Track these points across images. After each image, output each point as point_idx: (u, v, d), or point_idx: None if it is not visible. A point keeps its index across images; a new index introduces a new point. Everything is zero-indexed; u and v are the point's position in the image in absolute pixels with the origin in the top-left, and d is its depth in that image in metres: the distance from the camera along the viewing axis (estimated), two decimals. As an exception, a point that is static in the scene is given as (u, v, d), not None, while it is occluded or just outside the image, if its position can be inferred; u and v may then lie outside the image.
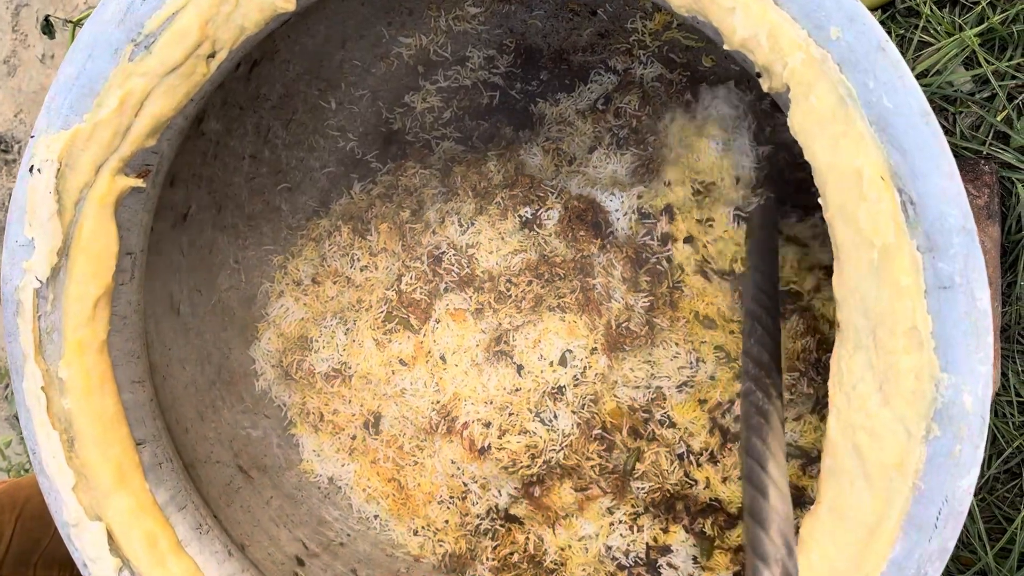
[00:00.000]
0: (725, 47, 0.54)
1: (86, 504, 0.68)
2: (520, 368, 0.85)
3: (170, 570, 0.69)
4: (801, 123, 0.53)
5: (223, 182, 0.91)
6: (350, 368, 0.90)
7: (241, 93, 0.87)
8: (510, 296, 0.84)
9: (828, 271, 0.83)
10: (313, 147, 0.96)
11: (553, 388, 0.85)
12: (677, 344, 0.84)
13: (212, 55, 0.65)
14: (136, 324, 0.73)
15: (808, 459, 0.80)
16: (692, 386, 0.84)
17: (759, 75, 0.54)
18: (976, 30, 0.81)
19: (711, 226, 0.82)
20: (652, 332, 0.83)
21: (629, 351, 0.83)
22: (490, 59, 0.93)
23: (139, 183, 0.68)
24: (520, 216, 0.87)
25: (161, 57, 0.63)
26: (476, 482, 0.90)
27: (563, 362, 0.84)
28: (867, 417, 0.54)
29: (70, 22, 1.38)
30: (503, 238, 0.86)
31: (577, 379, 0.85)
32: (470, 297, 0.86)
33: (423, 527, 0.93)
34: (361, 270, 0.92)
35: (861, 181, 0.51)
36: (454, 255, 0.87)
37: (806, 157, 0.54)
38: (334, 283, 0.93)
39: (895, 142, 0.50)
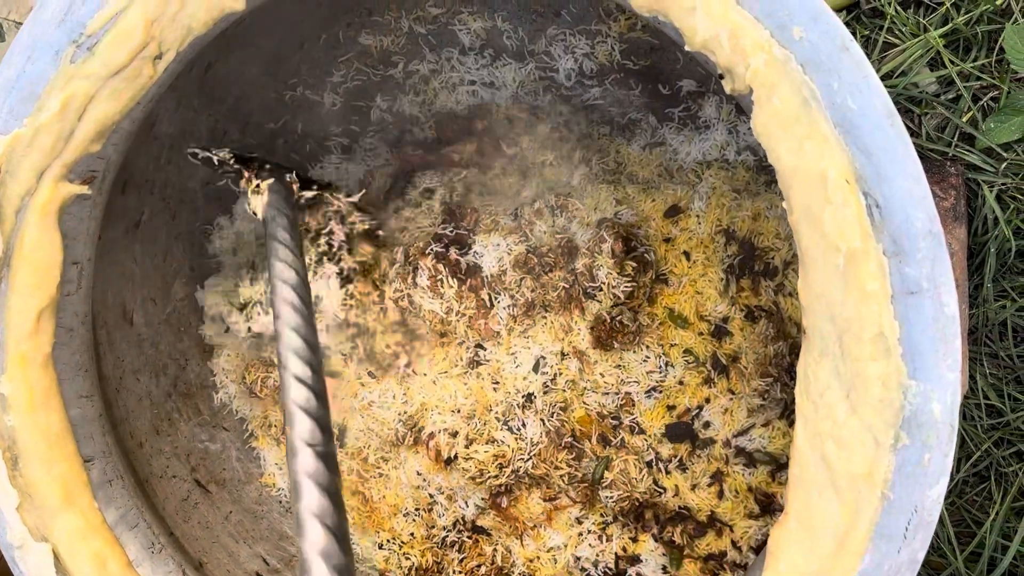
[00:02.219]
0: (687, 48, 0.53)
1: (31, 525, 0.65)
2: (496, 381, 0.83)
3: (120, 593, 0.66)
4: (765, 125, 0.51)
5: (177, 187, 0.88)
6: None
7: (195, 95, 0.84)
8: (500, 303, 0.82)
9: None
10: (272, 150, 0.94)
11: (523, 396, 0.84)
12: (648, 347, 0.82)
13: (159, 57, 0.62)
14: (84, 336, 0.71)
15: (777, 465, 0.79)
16: (661, 391, 0.83)
17: (722, 77, 0.53)
18: (940, 31, 0.80)
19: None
20: (639, 329, 0.82)
21: (614, 351, 0.82)
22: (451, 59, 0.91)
23: (84, 190, 0.65)
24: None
25: (104, 59, 0.60)
26: (442, 493, 0.88)
27: (536, 368, 0.83)
28: (835, 425, 0.53)
29: (20, 24, 1.34)
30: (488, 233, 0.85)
31: (547, 386, 0.84)
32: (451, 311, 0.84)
33: (388, 540, 0.91)
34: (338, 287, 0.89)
35: (826, 184, 0.50)
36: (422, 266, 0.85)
37: (770, 160, 0.53)
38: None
39: (860, 144, 0.49)
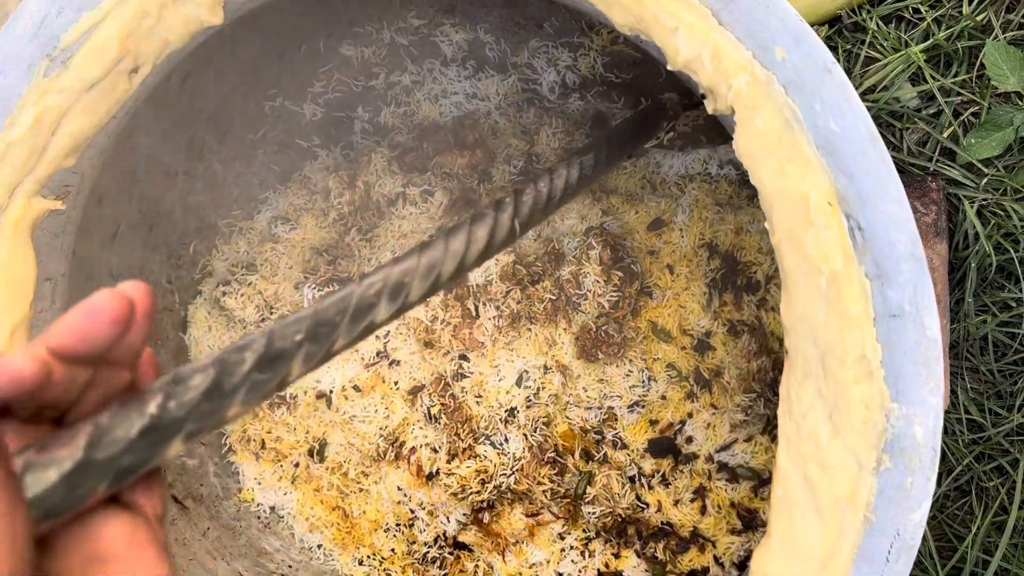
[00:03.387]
0: (669, 67, 0.53)
1: None
2: (479, 395, 0.83)
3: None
4: (747, 146, 0.51)
5: (154, 199, 0.87)
6: (296, 397, 0.86)
7: (173, 106, 0.83)
8: (486, 314, 0.81)
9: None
10: (251, 161, 0.93)
11: (506, 410, 0.83)
12: (631, 360, 0.82)
13: (135, 70, 0.61)
14: (57, 353, 0.69)
15: (759, 480, 0.79)
16: (643, 406, 0.83)
17: (703, 96, 0.53)
18: (922, 46, 0.80)
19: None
20: (624, 341, 0.81)
21: (597, 363, 0.81)
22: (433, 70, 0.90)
23: (58, 205, 0.64)
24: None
25: (79, 73, 0.59)
26: (424, 508, 0.88)
27: (519, 382, 0.82)
28: (817, 447, 0.53)
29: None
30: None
31: (530, 401, 0.83)
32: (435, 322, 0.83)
33: (368, 556, 0.90)
34: (316, 298, 0.88)
35: (808, 206, 0.50)
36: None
37: (752, 181, 0.52)
38: (275, 312, 0.89)
39: (842, 167, 0.49)
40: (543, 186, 0.51)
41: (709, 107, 0.52)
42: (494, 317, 0.81)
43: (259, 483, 0.91)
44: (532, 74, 0.89)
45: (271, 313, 0.88)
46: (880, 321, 0.49)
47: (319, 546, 0.91)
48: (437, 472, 0.85)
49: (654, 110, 0.72)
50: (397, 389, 0.85)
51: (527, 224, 0.49)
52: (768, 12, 0.48)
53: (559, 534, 0.84)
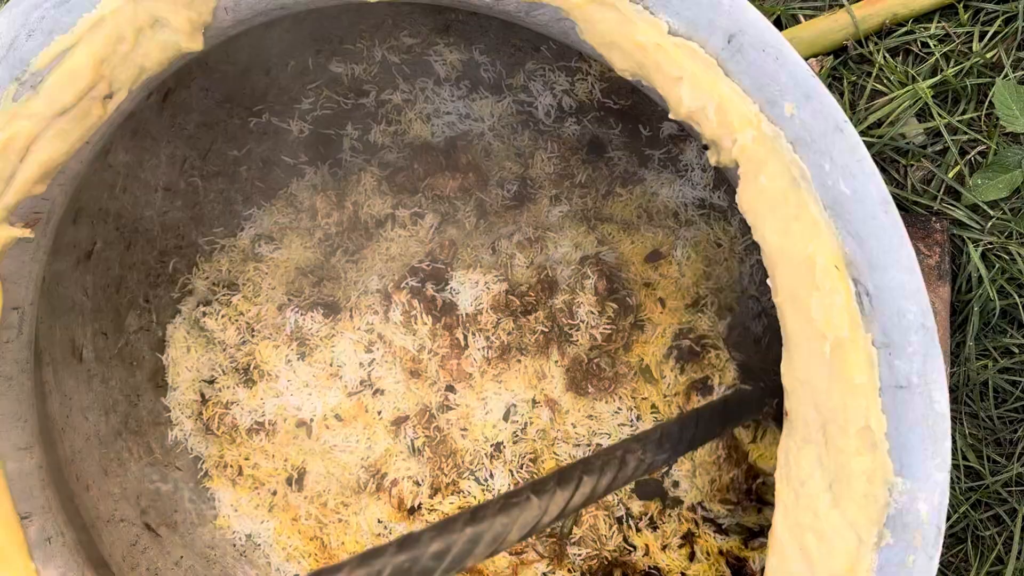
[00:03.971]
0: (671, 116, 0.50)
1: (-40, 589, 0.61)
2: (464, 428, 0.80)
3: (55, 662, 0.62)
4: (750, 203, 0.49)
5: (132, 216, 0.84)
6: (275, 423, 0.84)
7: (153, 123, 0.80)
8: (475, 345, 0.79)
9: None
10: (235, 178, 0.90)
11: (492, 445, 0.81)
12: (621, 398, 0.80)
13: (109, 96, 0.58)
14: (24, 385, 0.66)
15: (750, 533, 0.76)
16: (633, 442, 0.80)
17: (706, 147, 0.50)
18: (930, 82, 0.78)
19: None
20: (616, 377, 0.78)
21: (587, 397, 0.79)
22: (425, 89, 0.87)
23: (26, 233, 0.61)
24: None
25: (49, 98, 0.56)
26: (404, 542, 0.85)
27: (506, 416, 0.80)
28: (816, 518, 0.51)
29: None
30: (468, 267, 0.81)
31: (517, 436, 0.81)
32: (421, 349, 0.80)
33: (347, 588, 0.87)
34: (302, 326, 0.85)
35: (814, 269, 0.47)
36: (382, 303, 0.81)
37: (755, 237, 0.50)
38: (256, 335, 0.86)
39: (851, 230, 0.46)
40: (611, 472, 0.48)
41: (712, 159, 0.50)
42: (483, 348, 0.79)
43: (235, 510, 0.89)
44: (527, 97, 0.87)
45: (252, 335, 0.86)
46: (886, 391, 0.47)
47: (296, 576, 0.89)
48: (419, 506, 0.83)
49: (746, 400, 0.66)
50: (380, 419, 0.83)
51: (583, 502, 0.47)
52: (778, 65, 0.46)
53: (543, 574, 0.81)
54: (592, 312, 0.77)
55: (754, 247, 0.81)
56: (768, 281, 0.51)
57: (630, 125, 0.85)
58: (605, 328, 0.77)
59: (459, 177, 0.88)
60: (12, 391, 0.65)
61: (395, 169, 0.90)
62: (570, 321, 0.78)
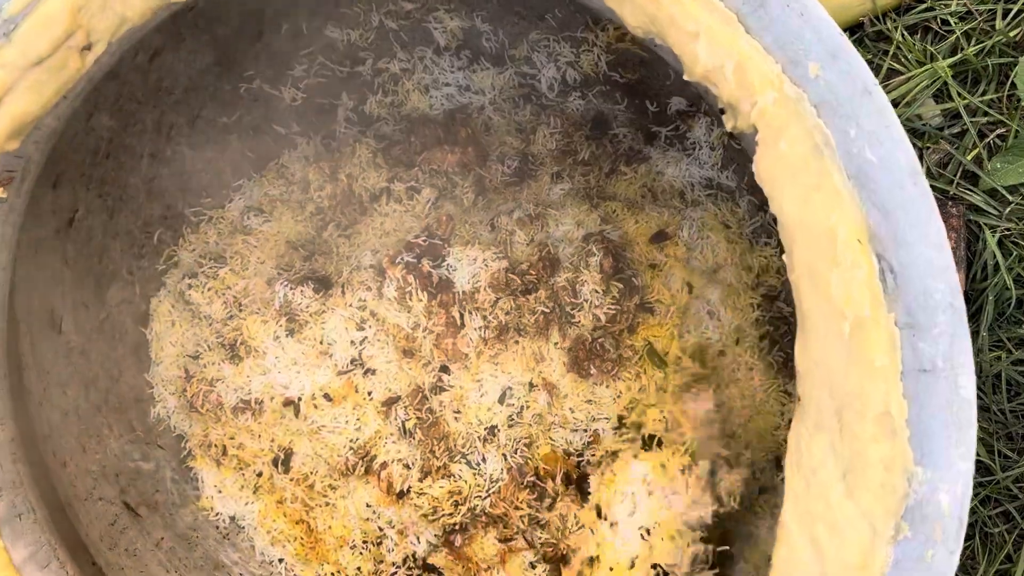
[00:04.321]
0: (686, 77, 0.47)
1: (-77, 566, 0.58)
2: (457, 411, 0.77)
3: (22, 644, 0.59)
4: (768, 170, 0.45)
5: (117, 183, 0.80)
6: (262, 402, 0.80)
7: (139, 85, 0.77)
8: (472, 324, 0.75)
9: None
10: (224, 147, 0.86)
11: (486, 428, 0.78)
12: (624, 380, 0.76)
13: (88, 47, 0.55)
14: (-4, 354, 0.63)
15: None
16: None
17: (723, 111, 0.47)
18: (949, 61, 0.75)
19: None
20: (620, 359, 0.75)
21: (588, 379, 0.75)
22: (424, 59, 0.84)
23: (-2, 192, 0.58)
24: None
25: (23, 47, 0.53)
26: (393, 527, 0.82)
27: (502, 399, 0.76)
28: (828, 508, 0.48)
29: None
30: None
31: (512, 420, 0.78)
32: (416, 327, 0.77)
33: (333, 574, 0.84)
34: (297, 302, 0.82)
35: (835, 243, 0.44)
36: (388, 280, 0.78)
37: (772, 209, 0.47)
38: (244, 309, 0.83)
39: (877, 201, 0.43)
40: None
41: (728, 124, 0.47)
42: (480, 328, 0.76)
43: (219, 491, 0.85)
44: (530, 69, 0.83)
45: (239, 310, 0.82)
46: (908, 375, 0.44)
47: (280, 560, 0.86)
48: (408, 490, 0.80)
49: None
50: (371, 399, 0.79)
51: None
52: (803, 22, 0.42)
53: (531, 563, 0.79)
54: (596, 291, 0.74)
55: (763, 230, 0.78)
56: (784, 258, 0.48)
57: (636, 100, 0.81)
58: (609, 308, 0.74)
59: (458, 152, 0.84)
60: (-18, 360, 0.62)
61: (391, 142, 0.86)
62: (573, 300, 0.74)
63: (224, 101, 0.84)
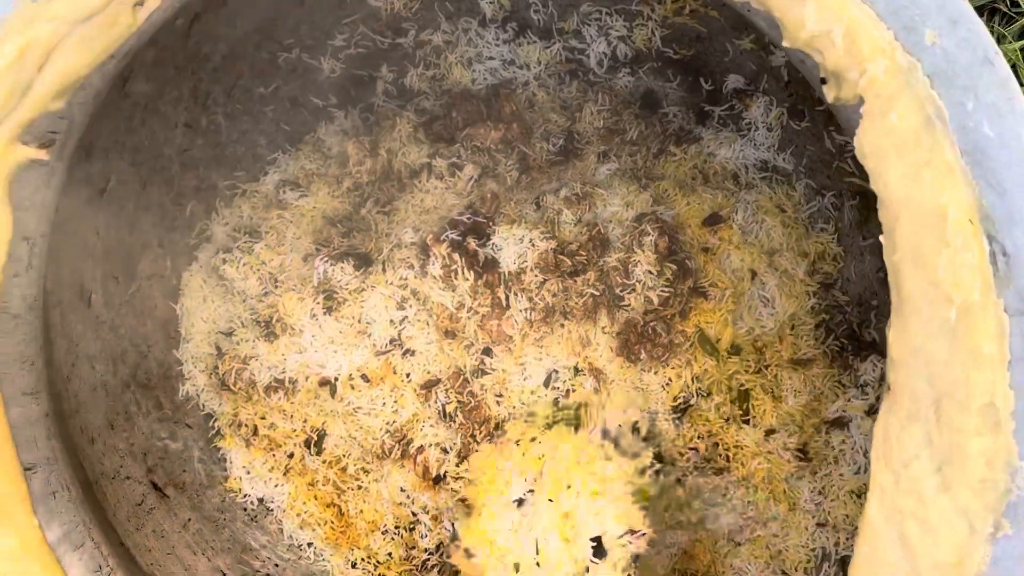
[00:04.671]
0: (785, 44, 0.44)
1: (-45, 544, 0.55)
2: (499, 394, 0.75)
3: (58, 627, 0.57)
4: (874, 145, 0.43)
5: (150, 153, 0.78)
6: (296, 381, 0.78)
7: (178, 51, 0.74)
8: (518, 306, 0.73)
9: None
10: (260, 118, 0.84)
11: (529, 413, 0.75)
12: (674, 368, 0.74)
13: (140, 2, 0.52)
14: (32, 324, 0.61)
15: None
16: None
17: (824, 81, 0.44)
18: (1021, 43, 0.72)
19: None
20: (671, 345, 0.73)
21: (637, 364, 0.73)
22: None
23: (41, 155, 0.55)
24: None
25: (74, 0, 0.50)
26: (427, 513, 0.80)
27: (546, 383, 0.74)
28: (920, 503, 0.45)
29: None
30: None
31: (557, 404, 0.75)
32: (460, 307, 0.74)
33: (363, 559, 0.82)
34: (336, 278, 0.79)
35: (944, 223, 0.42)
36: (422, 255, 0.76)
37: (873, 186, 0.44)
38: (280, 286, 0.80)
39: (992, 180, 0.41)
40: None
41: (829, 95, 0.44)
42: (526, 309, 0.73)
43: (248, 472, 0.83)
44: (579, 43, 0.80)
45: (275, 286, 0.80)
46: (1016, 364, 0.42)
47: (309, 544, 0.83)
48: (445, 476, 0.77)
49: None
50: (409, 382, 0.77)
51: None
52: (922, -15, 0.40)
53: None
54: (650, 272, 0.71)
55: (820, 215, 0.76)
56: (881, 238, 0.45)
57: (690, 78, 0.79)
58: (663, 290, 0.71)
59: (501, 128, 0.82)
60: (19, 330, 0.59)
61: (432, 117, 0.84)
62: (625, 281, 0.71)
63: (262, 71, 0.81)
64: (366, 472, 0.80)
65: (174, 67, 0.75)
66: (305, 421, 0.80)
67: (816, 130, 0.73)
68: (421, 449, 0.78)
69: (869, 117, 0.42)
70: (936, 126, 0.41)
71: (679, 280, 0.72)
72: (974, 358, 0.42)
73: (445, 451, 0.77)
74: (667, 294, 0.71)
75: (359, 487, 0.81)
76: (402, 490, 0.80)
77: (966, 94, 0.40)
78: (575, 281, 0.73)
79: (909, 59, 0.41)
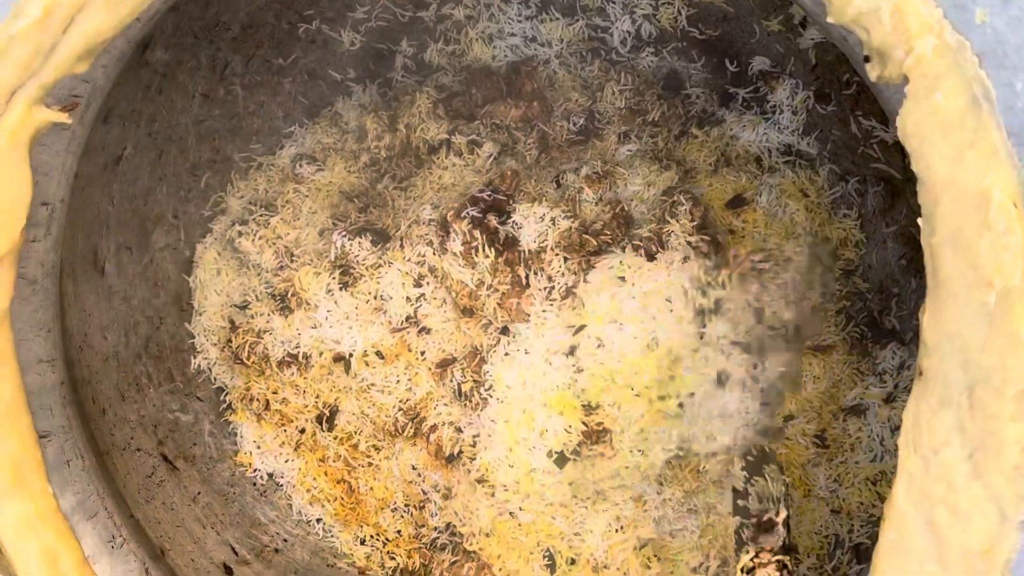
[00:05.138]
0: (829, 20, 0.43)
1: (-30, 510, 0.55)
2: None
3: (72, 595, 0.57)
4: (917, 125, 0.42)
5: (167, 122, 0.77)
6: (310, 356, 0.77)
7: (197, 18, 0.73)
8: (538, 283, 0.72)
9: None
10: (277, 91, 0.83)
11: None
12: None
13: (167, -36, 0.51)
14: (49, 291, 0.60)
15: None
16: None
17: (867, 59, 0.44)
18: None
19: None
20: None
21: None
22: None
23: (63, 118, 0.54)
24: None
25: (101, -40, 0.49)
26: (438, 491, 0.80)
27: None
28: (950, 489, 0.45)
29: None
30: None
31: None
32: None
33: (372, 536, 0.82)
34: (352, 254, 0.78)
35: (988, 206, 0.41)
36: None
37: (914, 167, 0.43)
38: (296, 260, 0.79)
39: (1039, 162, 0.40)
40: None
41: (872, 73, 0.43)
42: (546, 288, 0.72)
43: (258, 447, 0.83)
44: (603, 21, 0.80)
45: (291, 260, 0.79)
46: (1055, 351, 0.41)
47: (318, 520, 0.83)
48: (460, 454, 0.77)
49: None
50: (424, 360, 0.76)
51: None
52: (975, -39, 0.39)
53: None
54: (688, 238, 0.70)
55: (843, 201, 0.75)
56: (919, 221, 0.45)
57: (714, 59, 0.78)
58: (705, 261, 0.70)
59: (522, 106, 0.81)
60: (37, 296, 0.58)
61: (451, 93, 0.83)
62: (660, 250, 0.70)
63: (281, 41, 0.80)
64: (377, 449, 0.80)
65: (193, 35, 0.74)
66: (318, 397, 0.80)
67: (842, 115, 0.72)
68: (434, 428, 0.77)
69: (913, 97, 0.42)
70: (983, 107, 0.40)
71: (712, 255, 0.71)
72: (1012, 343, 0.42)
73: (459, 430, 0.77)
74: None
75: (370, 464, 0.80)
76: (413, 468, 0.79)
77: (1015, 74, 0.40)
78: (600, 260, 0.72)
79: (958, 38, 0.40)
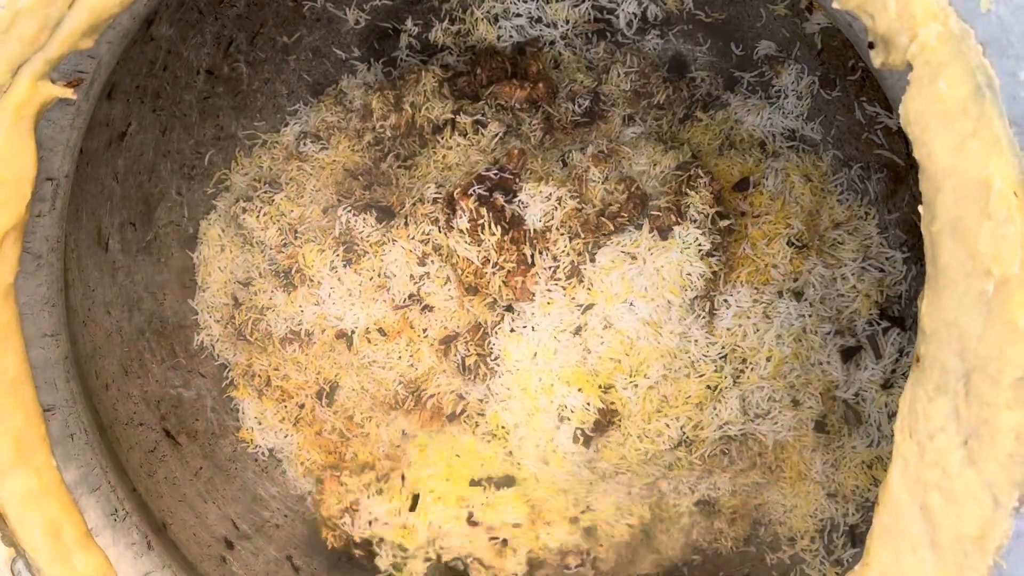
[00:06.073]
0: (835, 5, 0.43)
1: (-26, 482, 0.55)
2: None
3: (75, 567, 0.57)
4: (919, 113, 0.42)
5: (171, 99, 0.77)
6: (312, 333, 0.78)
7: (203, -6, 0.73)
8: (543, 262, 0.72)
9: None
10: (282, 68, 0.83)
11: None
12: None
13: (173, -59, 0.51)
14: (53, 266, 0.60)
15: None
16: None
17: (871, 45, 0.44)
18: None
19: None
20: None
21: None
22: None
23: (68, 94, 0.54)
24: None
25: (106, -65, 0.49)
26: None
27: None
28: (944, 476, 0.45)
29: None
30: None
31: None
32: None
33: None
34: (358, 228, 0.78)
35: (988, 194, 0.41)
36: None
37: (916, 155, 0.44)
38: (299, 237, 0.80)
39: (1040, 152, 0.40)
40: None
41: (876, 60, 0.43)
42: (551, 267, 0.72)
43: (259, 423, 0.83)
44: (608, 3, 0.79)
45: (295, 237, 0.79)
46: (1052, 340, 0.41)
47: (310, 494, 0.84)
48: (463, 411, 0.78)
49: None
50: (425, 337, 0.77)
51: None
52: (982, -51, 0.39)
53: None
54: (704, 214, 0.70)
55: (846, 186, 0.75)
56: (920, 208, 0.45)
57: (720, 43, 0.78)
58: (716, 237, 0.70)
59: (527, 87, 0.81)
60: (41, 271, 0.59)
61: (456, 73, 0.82)
62: (677, 222, 0.70)
63: (286, 19, 0.80)
64: (371, 420, 0.80)
65: (198, 11, 0.74)
66: (319, 373, 0.80)
67: (847, 100, 0.72)
68: (432, 396, 0.78)
69: (917, 84, 0.42)
70: (985, 96, 0.41)
71: (725, 233, 0.71)
72: (1009, 331, 0.42)
73: (462, 396, 0.77)
74: (718, 241, 0.71)
75: (362, 434, 0.81)
76: (404, 433, 0.80)
77: (1019, 63, 0.40)
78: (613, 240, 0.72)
79: (963, 26, 0.40)
